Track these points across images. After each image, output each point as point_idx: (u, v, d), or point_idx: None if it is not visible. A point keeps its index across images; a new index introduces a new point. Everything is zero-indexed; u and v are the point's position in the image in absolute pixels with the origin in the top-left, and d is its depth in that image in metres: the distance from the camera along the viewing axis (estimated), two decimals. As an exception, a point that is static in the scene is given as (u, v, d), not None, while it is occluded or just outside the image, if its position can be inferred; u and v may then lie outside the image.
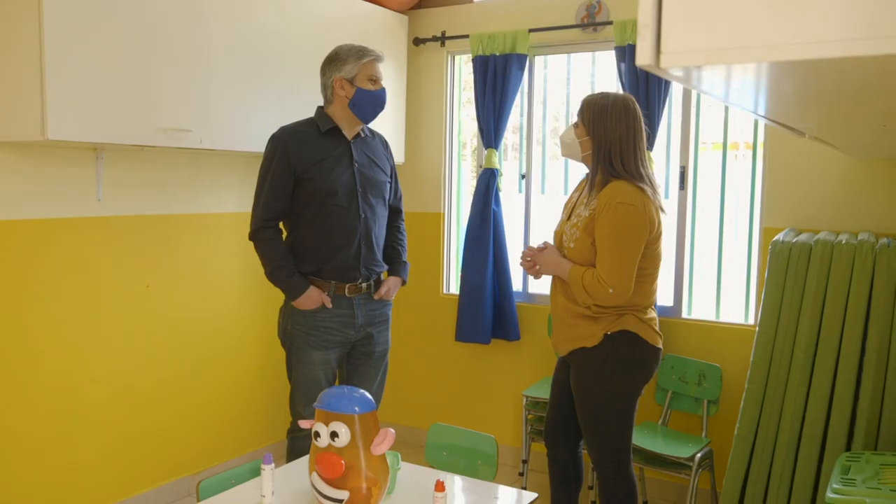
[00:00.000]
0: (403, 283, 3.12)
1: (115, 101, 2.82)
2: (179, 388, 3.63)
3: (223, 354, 3.84)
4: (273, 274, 2.86)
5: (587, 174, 2.75)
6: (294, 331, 2.90)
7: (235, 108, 3.30)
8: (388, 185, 3.05)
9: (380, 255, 3.02)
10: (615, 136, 2.58)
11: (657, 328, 2.68)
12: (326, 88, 2.91)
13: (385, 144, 3.11)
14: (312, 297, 2.84)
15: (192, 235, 3.64)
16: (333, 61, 2.89)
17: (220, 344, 3.82)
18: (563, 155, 2.79)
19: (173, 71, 3.02)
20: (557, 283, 2.74)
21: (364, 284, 2.95)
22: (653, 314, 2.68)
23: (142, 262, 3.42)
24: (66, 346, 3.16)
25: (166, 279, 3.53)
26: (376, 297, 3.00)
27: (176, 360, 3.61)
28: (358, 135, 2.96)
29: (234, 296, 3.88)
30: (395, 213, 3.15)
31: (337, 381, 3.08)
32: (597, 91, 2.75)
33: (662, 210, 2.65)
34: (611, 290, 2.51)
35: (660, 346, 2.67)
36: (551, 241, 2.80)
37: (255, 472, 2.19)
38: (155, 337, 3.50)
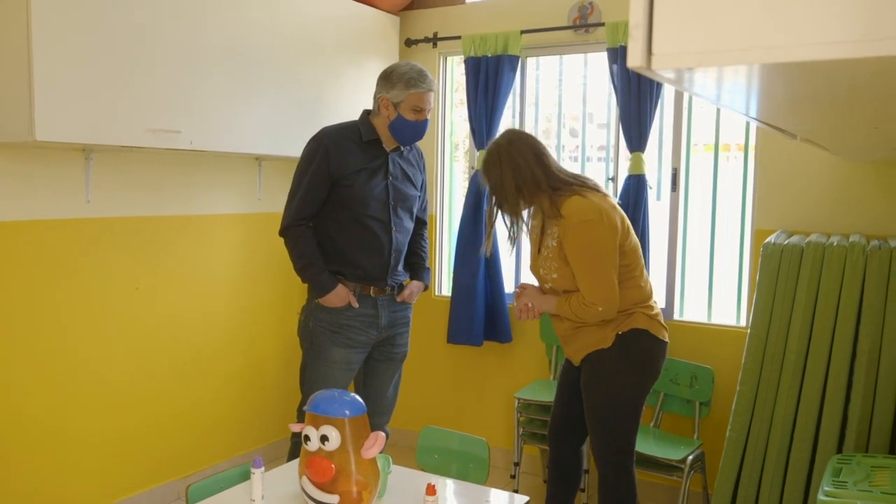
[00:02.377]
0: (426, 287, 3.16)
1: (103, 101, 2.80)
2: (169, 391, 3.61)
3: (213, 357, 3.82)
4: (304, 270, 2.87)
5: (533, 208, 2.73)
6: (316, 328, 2.91)
7: (225, 109, 3.28)
8: (418, 199, 3.07)
9: (402, 267, 3.06)
10: (524, 166, 2.58)
11: (663, 322, 2.73)
12: (375, 101, 2.93)
13: (420, 156, 3.13)
14: (340, 295, 2.86)
15: (182, 237, 3.62)
16: (385, 79, 2.89)
17: (209, 346, 3.80)
18: (520, 212, 2.70)
19: (163, 71, 3.00)
20: None
21: (387, 287, 2.98)
22: (657, 308, 2.73)
23: (131, 264, 3.39)
24: (55, 349, 3.13)
25: (156, 281, 3.51)
26: (399, 299, 3.02)
27: (165, 362, 3.58)
28: (397, 147, 2.97)
29: (224, 298, 3.85)
30: (419, 223, 3.16)
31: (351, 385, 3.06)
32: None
33: (615, 206, 2.62)
34: (600, 309, 2.55)
35: (667, 339, 2.72)
36: (531, 279, 2.82)
37: (245, 476, 2.18)
38: (144, 339, 3.48)
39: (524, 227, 2.73)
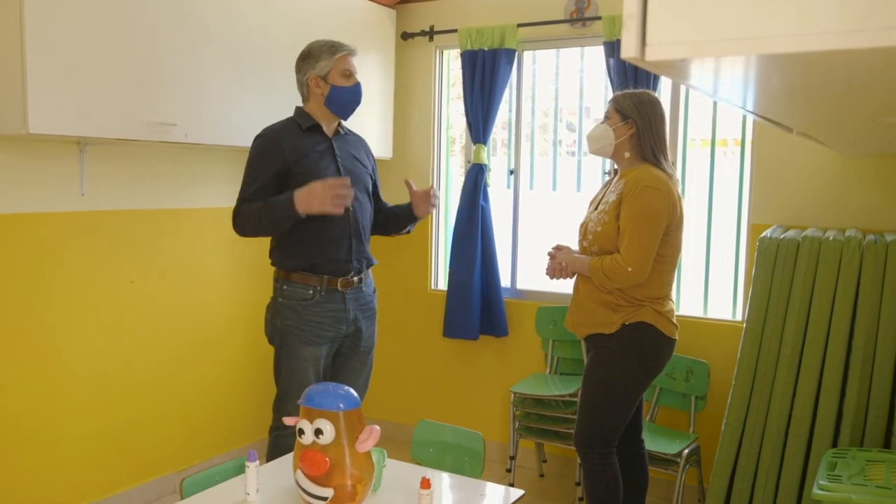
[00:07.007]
0: (415, 220, 3.13)
1: (98, 94, 2.79)
2: (164, 385, 3.60)
3: (208, 351, 3.81)
4: (262, 216, 2.74)
5: (613, 169, 2.84)
6: (284, 327, 2.88)
7: (221, 102, 3.27)
8: (371, 179, 3.07)
9: (369, 248, 3.03)
10: (652, 124, 2.71)
11: (674, 320, 2.76)
12: (303, 86, 2.92)
13: (365, 144, 3.12)
14: (314, 192, 2.69)
15: (177, 230, 3.61)
16: (307, 59, 2.89)
17: (204, 340, 3.79)
18: (592, 151, 2.86)
19: (158, 64, 2.99)
20: None
21: (356, 278, 2.95)
22: (670, 305, 2.76)
23: (126, 258, 3.38)
24: (49, 342, 3.12)
25: (151, 274, 3.50)
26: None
27: (160, 356, 3.58)
28: (337, 132, 2.98)
29: (219, 291, 3.85)
30: (382, 201, 3.18)
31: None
32: (622, 87, 2.81)
33: (681, 198, 2.74)
34: (629, 269, 2.59)
35: (675, 337, 2.75)
36: (577, 234, 2.88)
37: (240, 470, 2.17)
38: (139, 333, 3.47)
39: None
